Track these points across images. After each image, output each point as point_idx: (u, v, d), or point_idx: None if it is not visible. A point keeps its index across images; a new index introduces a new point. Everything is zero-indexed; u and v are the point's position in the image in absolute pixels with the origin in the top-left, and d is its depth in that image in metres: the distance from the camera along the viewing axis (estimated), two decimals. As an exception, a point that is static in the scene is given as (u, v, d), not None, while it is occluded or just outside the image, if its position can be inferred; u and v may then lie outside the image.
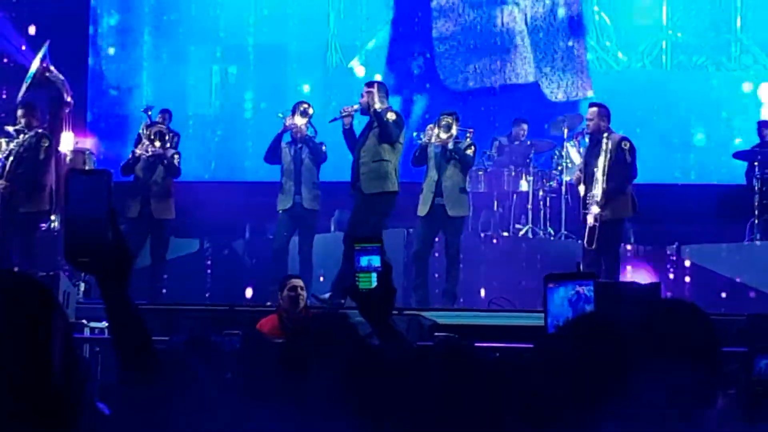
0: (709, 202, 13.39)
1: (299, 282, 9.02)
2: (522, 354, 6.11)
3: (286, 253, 11.54)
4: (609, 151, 10.54)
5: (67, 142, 12.08)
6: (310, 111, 11.51)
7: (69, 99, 11.80)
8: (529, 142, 13.31)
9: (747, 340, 7.19)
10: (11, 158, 10.86)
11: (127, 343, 2.44)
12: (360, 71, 15.10)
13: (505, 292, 11.63)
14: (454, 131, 11.10)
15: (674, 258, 12.38)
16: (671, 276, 12.08)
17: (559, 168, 12.78)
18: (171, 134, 12.00)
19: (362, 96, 10.73)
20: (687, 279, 12.04)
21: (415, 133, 11.54)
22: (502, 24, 15.16)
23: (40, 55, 11.73)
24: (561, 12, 15.08)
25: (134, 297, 2.50)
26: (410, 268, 11.20)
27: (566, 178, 12.48)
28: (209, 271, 13.00)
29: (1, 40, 14.13)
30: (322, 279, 11.36)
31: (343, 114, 10.82)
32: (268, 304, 10.69)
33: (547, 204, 12.85)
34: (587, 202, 10.61)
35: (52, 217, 11.42)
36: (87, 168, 11.80)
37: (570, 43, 15.08)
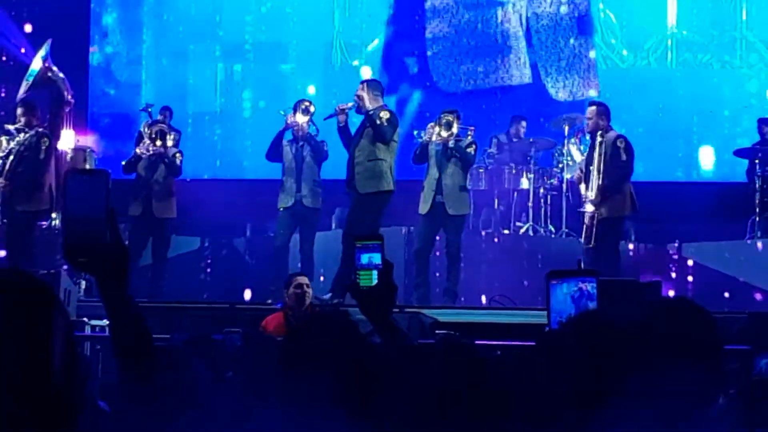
0: (710, 200, 13.39)
1: (305, 280, 9.02)
2: (523, 352, 6.12)
3: (287, 251, 11.54)
4: (604, 149, 10.55)
5: (68, 140, 12.08)
6: (312, 109, 11.50)
7: (69, 98, 11.80)
8: (531, 140, 13.31)
9: (748, 338, 7.19)
10: (11, 157, 10.86)
11: (127, 342, 2.44)
12: (366, 71, 15.10)
13: (505, 290, 11.63)
14: (455, 129, 11.09)
15: (675, 256, 12.38)
16: (672, 274, 12.07)
17: (560, 166, 12.78)
18: (172, 132, 12.00)
19: (357, 92, 10.71)
20: (688, 277, 12.04)
21: (416, 132, 11.53)
22: (497, 25, 15.14)
23: (41, 54, 11.71)
24: (566, 10, 15.06)
25: (135, 295, 2.50)
26: (411, 266, 11.20)
27: (567, 175, 12.48)
28: (209, 270, 13.00)
29: (1, 38, 14.13)
30: (322, 279, 11.36)
31: (338, 111, 10.82)
32: (269, 302, 10.69)
33: (548, 202, 12.85)
34: (583, 200, 10.64)
35: (53, 215, 11.42)
36: (87, 166, 11.82)
37: (575, 42, 15.06)
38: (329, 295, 10.36)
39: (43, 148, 10.93)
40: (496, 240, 12.48)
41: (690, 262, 12.25)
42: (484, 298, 11.56)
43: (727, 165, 13.91)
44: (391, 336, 3.02)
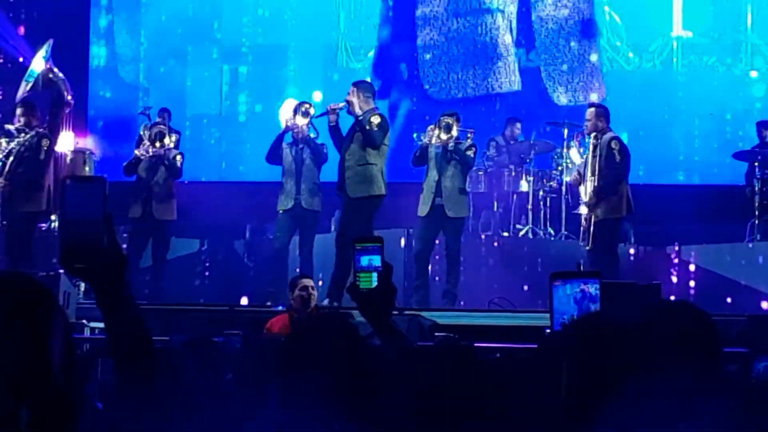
0: (709, 202, 13.39)
1: (310, 282, 9.02)
2: (525, 354, 6.12)
3: (286, 253, 11.54)
4: (599, 150, 10.56)
5: (68, 142, 12.07)
6: (312, 112, 11.49)
7: (69, 99, 11.80)
8: (531, 142, 13.32)
9: (747, 341, 7.19)
10: (11, 158, 10.85)
11: (124, 347, 2.43)
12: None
13: (505, 293, 11.63)
14: (454, 132, 11.10)
15: (674, 258, 12.38)
16: (671, 277, 12.07)
17: (560, 168, 12.78)
18: (172, 134, 12.00)
19: (348, 95, 10.70)
20: (687, 280, 12.03)
21: (415, 134, 11.53)
22: (486, 33, 15.13)
23: (42, 55, 11.69)
24: (570, 14, 15.04)
25: (134, 297, 2.49)
26: (411, 269, 11.20)
27: (566, 178, 12.48)
28: (208, 272, 12.99)
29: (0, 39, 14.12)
30: (320, 283, 11.36)
31: (329, 110, 10.80)
32: (268, 304, 10.69)
33: (548, 204, 12.85)
34: (579, 202, 10.67)
35: (52, 217, 11.42)
36: (87, 168, 11.82)
37: (579, 46, 15.05)
38: (326, 300, 10.33)
39: (44, 149, 10.92)
40: (495, 242, 12.49)
41: (689, 265, 12.25)
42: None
43: (728, 168, 13.91)
44: (390, 338, 3.02)
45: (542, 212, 12.85)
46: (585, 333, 2.38)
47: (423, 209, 11.10)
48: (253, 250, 13.08)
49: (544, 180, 12.92)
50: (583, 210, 10.61)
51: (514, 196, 12.92)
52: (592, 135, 10.69)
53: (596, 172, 10.53)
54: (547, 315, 4.35)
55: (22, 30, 14.02)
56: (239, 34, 15.59)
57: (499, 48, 15.10)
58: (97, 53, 15.64)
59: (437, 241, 11.31)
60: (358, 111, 10.47)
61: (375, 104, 10.78)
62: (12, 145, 10.88)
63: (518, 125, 13.70)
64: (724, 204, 13.08)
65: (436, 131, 11.09)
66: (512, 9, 15.14)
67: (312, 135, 11.47)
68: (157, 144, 11.63)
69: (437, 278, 11.40)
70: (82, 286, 10.05)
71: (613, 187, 10.54)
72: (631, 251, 12.43)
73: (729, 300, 11.39)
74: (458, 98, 14.94)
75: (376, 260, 3.02)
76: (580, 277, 4.40)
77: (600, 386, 2.18)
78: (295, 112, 11.43)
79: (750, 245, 12.14)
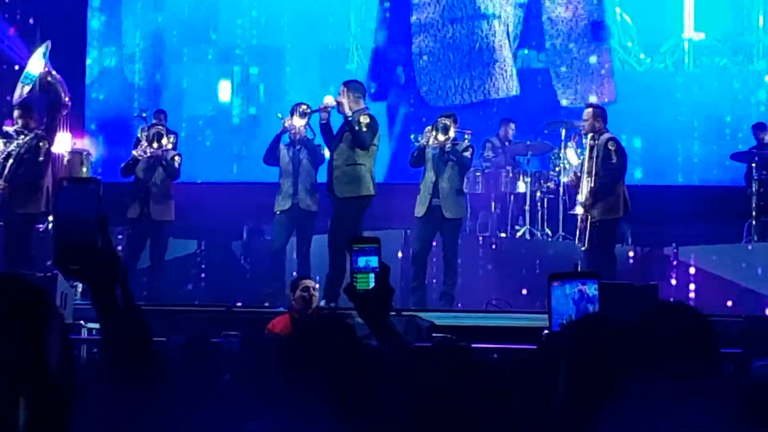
0: (707, 203, 13.39)
1: (312, 283, 9.02)
2: (522, 355, 6.12)
3: (284, 254, 11.54)
4: (596, 151, 10.56)
5: (65, 143, 12.07)
6: (308, 112, 11.49)
7: (67, 100, 11.78)
8: (527, 143, 13.32)
9: (744, 341, 7.20)
10: (11, 160, 10.85)
11: (120, 347, 2.43)
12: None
13: (502, 294, 11.64)
14: (452, 133, 11.11)
15: (672, 259, 12.39)
16: (669, 277, 12.07)
17: (557, 169, 12.78)
18: (170, 134, 12.01)
19: (339, 94, 10.69)
20: (685, 280, 12.04)
21: (413, 135, 11.53)
22: (482, 39, 15.11)
23: (40, 56, 11.66)
24: (581, 15, 15.02)
25: (134, 298, 2.49)
26: (408, 270, 11.20)
27: (564, 179, 12.49)
28: (205, 273, 12.99)
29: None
30: (317, 286, 11.35)
31: (320, 108, 10.79)
32: (266, 305, 10.69)
33: (545, 205, 12.85)
34: (576, 203, 10.67)
35: (50, 218, 11.41)
36: (84, 169, 11.82)
37: (590, 47, 15.03)
38: (323, 301, 10.33)
39: (43, 151, 10.93)
40: (492, 243, 12.49)
41: (687, 266, 12.25)
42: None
43: (727, 169, 13.92)
44: (388, 339, 3.02)
45: (540, 213, 12.85)
46: (583, 334, 2.38)
47: (420, 210, 11.11)
48: (250, 250, 13.08)
49: (542, 181, 12.92)
50: (579, 210, 10.62)
51: (512, 197, 12.93)
52: (590, 135, 10.69)
53: (593, 173, 10.53)
54: (545, 316, 4.35)
55: (12, 31, 13.98)
56: (235, 36, 15.58)
57: (495, 54, 15.09)
58: (93, 54, 15.62)
59: (434, 243, 11.31)
60: (347, 111, 10.46)
61: (365, 104, 10.77)
62: (11, 147, 10.88)
63: (512, 126, 13.71)
64: (722, 205, 13.09)
65: (434, 132, 11.09)
66: (509, 14, 15.11)
67: (309, 136, 11.47)
68: (155, 145, 11.63)
69: (434, 280, 11.40)
70: (79, 287, 10.05)
71: (610, 188, 10.54)
72: (629, 252, 12.43)
73: (729, 303, 11.39)
74: (455, 105, 14.92)
75: (374, 261, 3.01)
76: (578, 277, 4.40)
77: (598, 387, 2.18)
78: (292, 112, 11.43)
79: (748, 246, 12.14)
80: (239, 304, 11.43)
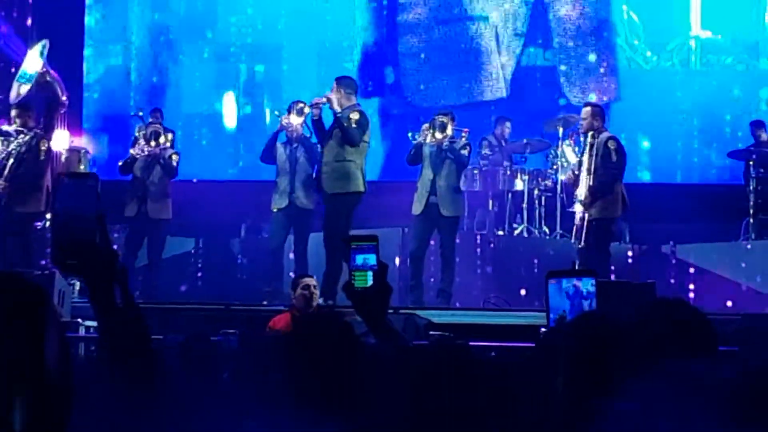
0: (704, 201, 13.40)
1: (312, 281, 9.02)
2: (520, 352, 6.12)
3: (282, 252, 11.54)
4: (596, 149, 10.57)
5: (63, 141, 12.06)
6: (306, 110, 11.49)
7: (64, 99, 11.77)
8: (525, 141, 13.33)
9: (742, 339, 7.20)
10: (11, 159, 10.85)
11: (118, 344, 2.43)
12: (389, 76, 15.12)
13: (500, 292, 11.65)
14: (449, 131, 11.11)
15: (670, 257, 12.40)
16: (666, 275, 12.08)
17: (555, 167, 12.78)
18: (168, 133, 12.01)
19: (331, 90, 10.67)
20: (682, 278, 12.04)
21: (410, 133, 11.52)
22: (469, 41, 15.10)
23: (37, 55, 11.63)
24: (588, 13, 15.01)
25: (133, 296, 2.49)
26: (406, 268, 11.20)
27: (561, 177, 12.49)
28: (200, 274, 12.98)
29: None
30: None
31: (312, 105, 10.77)
32: (264, 303, 10.69)
33: (542, 203, 12.85)
34: (574, 200, 10.67)
35: (47, 216, 11.40)
36: (82, 167, 11.81)
37: (596, 45, 15.01)
38: (321, 299, 10.33)
39: (42, 150, 10.94)
40: (490, 241, 12.49)
41: (684, 264, 12.26)
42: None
43: (726, 167, 13.92)
44: (386, 337, 3.02)
45: (537, 211, 12.85)
46: (582, 331, 2.38)
47: (417, 208, 11.11)
48: (248, 248, 13.08)
49: (539, 179, 12.92)
50: (578, 208, 10.62)
51: (509, 195, 12.92)
52: (590, 134, 10.69)
53: (592, 171, 10.53)
54: (542, 314, 4.37)
55: (5, 28, 13.95)
56: (231, 34, 15.56)
57: (482, 56, 15.06)
58: (90, 53, 15.60)
59: (432, 242, 11.31)
60: (336, 107, 10.43)
61: (357, 101, 10.74)
62: (12, 146, 10.87)
63: (508, 124, 13.71)
64: (720, 203, 13.10)
65: (431, 130, 11.10)
66: (496, 16, 15.08)
67: (306, 134, 11.46)
68: (152, 143, 11.63)
69: (432, 279, 11.41)
70: (77, 285, 10.05)
71: (609, 187, 10.55)
72: (627, 250, 12.44)
73: (718, 294, 11.40)
74: (440, 106, 14.91)
75: (372, 259, 3.01)
76: (576, 275, 4.42)
77: (597, 384, 2.18)
78: (289, 110, 11.42)
79: (746, 244, 12.15)
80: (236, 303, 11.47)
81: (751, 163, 12.38)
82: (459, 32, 15.13)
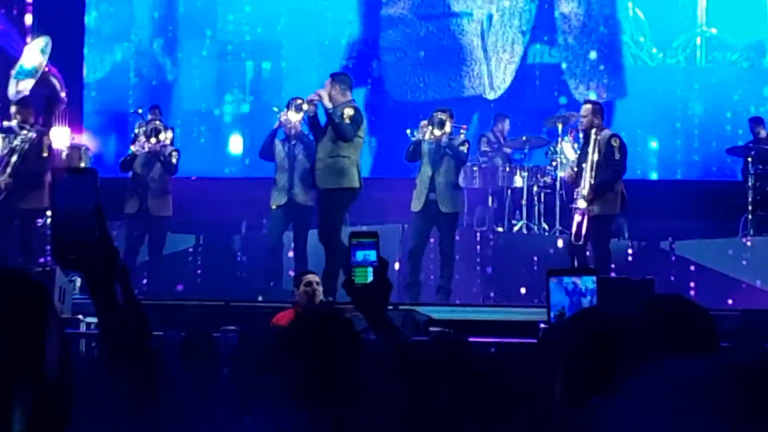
0: (703, 198, 13.40)
1: (315, 278, 9.02)
2: (519, 348, 6.13)
3: (280, 249, 11.55)
4: (598, 147, 10.57)
5: (64, 138, 12.06)
6: (305, 107, 11.49)
7: (63, 95, 11.76)
8: (524, 138, 13.33)
9: (741, 335, 7.21)
10: (16, 155, 10.85)
11: (117, 340, 2.43)
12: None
13: (499, 288, 11.65)
14: (448, 128, 11.12)
15: (669, 253, 12.40)
16: (665, 272, 12.07)
17: (554, 164, 12.79)
18: (168, 130, 12.02)
19: (325, 86, 10.65)
20: (681, 275, 12.04)
21: (408, 130, 11.52)
22: (451, 38, 15.08)
23: (39, 51, 11.58)
24: (593, 10, 14.99)
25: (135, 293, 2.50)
26: (405, 264, 11.21)
27: (560, 173, 12.49)
28: (199, 271, 12.97)
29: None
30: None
31: (307, 101, 10.73)
32: (259, 299, 10.72)
33: (542, 200, 12.86)
34: (575, 197, 10.65)
35: (48, 213, 11.40)
36: (83, 164, 11.81)
37: (602, 42, 14.99)
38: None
39: (45, 146, 10.95)
40: (489, 238, 12.50)
41: (683, 260, 12.26)
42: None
43: (725, 164, 13.92)
44: (386, 333, 3.03)
45: (536, 207, 12.86)
46: (580, 328, 2.39)
47: (416, 205, 11.12)
48: (248, 245, 13.08)
49: (539, 175, 12.92)
50: (582, 204, 10.57)
51: (509, 192, 12.93)
52: (593, 131, 10.68)
53: (595, 168, 10.54)
54: (542, 310, 4.38)
55: (6, 26, 13.93)
56: (230, 32, 15.55)
57: (463, 52, 15.06)
58: (91, 50, 15.60)
59: (431, 239, 11.32)
60: (327, 103, 10.37)
61: (352, 96, 10.70)
62: (16, 142, 10.87)
63: (506, 121, 13.74)
64: (718, 199, 13.10)
65: (430, 127, 11.11)
66: (482, 14, 15.08)
67: (305, 131, 11.46)
68: (152, 140, 11.64)
69: (432, 277, 11.41)
70: (78, 281, 10.07)
71: (611, 184, 10.57)
72: (626, 246, 12.45)
73: (717, 291, 11.40)
74: (420, 101, 14.90)
75: (372, 255, 3.02)
76: (576, 273, 4.45)
77: (596, 381, 2.19)
78: (288, 107, 11.41)
79: (744, 240, 12.15)
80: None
81: (749, 159, 12.38)
82: (441, 28, 15.14)
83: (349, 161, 10.39)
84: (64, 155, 11.93)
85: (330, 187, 10.35)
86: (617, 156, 10.59)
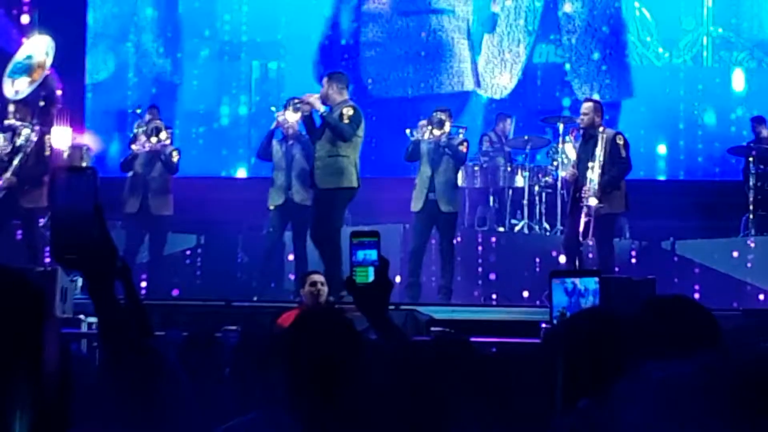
0: (704, 197, 13.40)
1: (320, 278, 9.00)
2: (521, 348, 6.13)
3: (281, 248, 11.54)
4: (605, 145, 10.56)
5: (66, 138, 12.05)
6: (306, 109, 11.45)
7: (59, 92, 11.73)
8: (525, 138, 13.32)
9: (743, 335, 7.21)
10: (21, 154, 10.84)
11: (114, 339, 2.43)
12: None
13: (501, 288, 11.65)
14: (447, 128, 11.13)
15: (670, 253, 12.40)
16: (666, 271, 12.07)
17: (555, 163, 12.78)
18: (168, 129, 12.02)
19: (323, 86, 10.62)
20: (682, 274, 12.04)
21: (408, 130, 11.51)
22: (430, 33, 15.08)
23: (45, 53, 11.50)
24: (598, 10, 14.98)
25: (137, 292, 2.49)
26: (407, 264, 11.21)
27: (562, 173, 12.49)
28: (198, 273, 12.98)
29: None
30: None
31: (302, 101, 10.69)
32: (254, 299, 10.73)
33: (543, 199, 12.85)
34: (582, 195, 10.59)
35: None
36: (84, 164, 11.80)
37: (607, 42, 14.97)
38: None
39: (47, 145, 10.95)
40: (491, 238, 12.50)
41: (684, 260, 12.26)
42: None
43: (729, 164, 13.91)
44: (386, 333, 3.03)
45: (538, 207, 12.86)
46: (578, 328, 2.38)
47: (416, 204, 11.13)
48: (249, 245, 13.08)
49: (540, 175, 12.93)
50: (593, 202, 10.51)
51: (510, 192, 12.93)
52: (600, 128, 10.66)
53: (602, 167, 10.51)
54: (543, 310, 4.39)
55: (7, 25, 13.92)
56: (229, 32, 15.54)
57: (442, 48, 15.05)
58: (93, 51, 15.59)
59: (433, 241, 11.32)
60: (319, 108, 10.31)
61: (348, 95, 10.65)
62: (19, 141, 10.87)
63: (509, 121, 13.74)
64: (720, 199, 13.09)
65: (429, 127, 11.12)
66: (466, 9, 15.07)
67: (302, 131, 11.43)
68: (153, 139, 11.64)
69: (433, 278, 11.41)
70: (80, 281, 10.07)
71: (619, 182, 10.57)
72: (627, 246, 12.45)
73: (718, 290, 11.40)
74: (396, 97, 14.88)
75: (373, 255, 3.01)
76: (579, 275, 4.46)
77: (593, 381, 2.19)
78: (286, 106, 11.38)
79: (745, 240, 12.14)
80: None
81: (750, 159, 12.37)
82: (421, 24, 15.13)
83: (348, 161, 10.35)
84: (65, 155, 11.92)
85: (329, 187, 10.32)
86: (623, 154, 10.59)
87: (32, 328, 1.64)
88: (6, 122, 11.02)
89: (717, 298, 11.08)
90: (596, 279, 4.30)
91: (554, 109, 14.15)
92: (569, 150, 12.48)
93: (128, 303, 2.60)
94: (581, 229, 10.62)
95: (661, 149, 14.69)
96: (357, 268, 3.02)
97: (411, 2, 15.18)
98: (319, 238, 10.29)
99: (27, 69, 11.25)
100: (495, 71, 15.12)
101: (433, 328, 8.62)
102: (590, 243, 10.57)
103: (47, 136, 10.96)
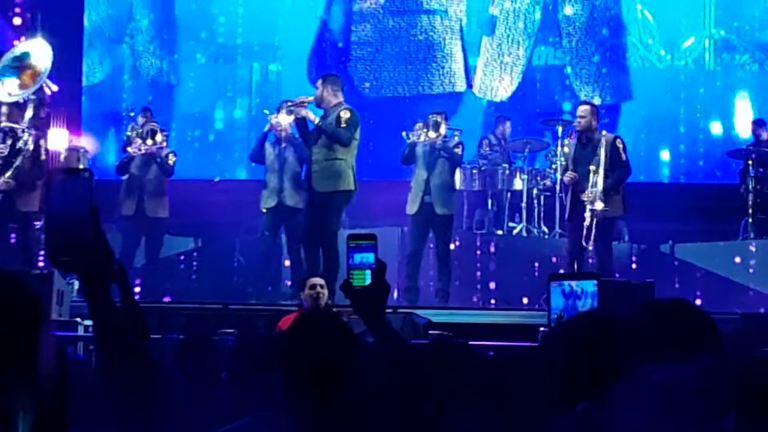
0: (703, 200, 13.39)
1: (319, 281, 8.98)
2: (519, 352, 6.12)
3: (276, 251, 11.53)
4: (605, 149, 10.55)
5: (62, 140, 12.04)
6: (303, 112, 11.44)
7: (49, 92, 11.70)
8: (524, 140, 13.33)
9: (742, 339, 7.20)
10: (19, 156, 10.83)
11: (110, 341, 2.42)
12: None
13: (499, 291, 11.64)
14: (442, 130, 11.12)
15: (669, 256, 12.39)
16: (665, 275, 12.06)
17: (553, 166, 12.77)
18: (163, 131, 12.02)
19: (317, 88, 10.61)
20: (681, 277, 12.04)
21: (404, 132, 11.50)
22: (421, 33, 15.07)
23: (44, 57, 11.45)
24: (599, 12, 14.97)
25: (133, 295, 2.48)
26: (404, 268, 11.19)
27: (560, 176, 12.47)
28: (199, 272, 12.97)
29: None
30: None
31: (297, 103, 10.66)
32: (252, 302, 10.72)
33: (541, 202, 12.85)
34: (583, 199, 10.55)
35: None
36: (81, 166, 11.79)
37: (608, 44, 14.96)
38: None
39: (43, 149, 10.94)
40: (489, 241, 12.49)
41: (683, 263, 12.25)
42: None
43: (726, 166, 13.91)
44: (384, 336, 3.02)
45: (536, 210, 12.85)
46: (575, 331, 2.37)
47: (411, 207, 11.12)
48: (246, 247, 13.07)
49: (538, 178, 12.93)
50: (599, 205, 10.48)
51: (508, 194, 12.92)
52: (603, 132, 10.67)
53: (604, 170, 10.50)
54: (541, 313, 4.38)
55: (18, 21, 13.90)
56: (224, 35, 15.53)
57: (433, 49, 15.05)
58: (89, 53, 15.58)
59: (430, 245, 11.31)
60: (312, 118, 10.29)
61: (343, 97, 10.63)
62: (19, 144, 10.85)
63: (508, 124, 13.74)
64: (719, 202, 13.09)
65: (425, 129, 11.11)
66: (459, 10, 15.06)
67: (295, 134, 11.39)
68: (149, 141, 11.64)
69: (431, 282, 11.40)
70: (76, 284, 10.06)
71: (619, 186, 10.57)
72: (626, 249, 12.44)
73: (717, 294, 11.40)
74: (386, 97, 14.87)
75: (370, 258, 3.00)
76: (577, 278, 4.45)
77: (589, 383, 2.18)
78: (279, 110, 11.37)
79: (745, 244, 12.13)
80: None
81: (750, 162, 12.35)
82: (412, 24, 15.13)
83: (345, 164, 10.34)
84: (62, 157, 11.91)
85: (326, 191, 10.30)
86: (623, 157, 10.60)
87: (28, 331, 1.63)
88: (8, 125, 10.99)
89: (716, 301, 11.09)
90: (594, 282, 4.29)
91: (553, 111, 14.14)
92: (568, 153, 12.48)
93: (125, 305, 2.59)
94: (585, 233, 10.60)
95: (663, 154, 14.68)
96: (354, 271, 3.01)
97: (402, 2, 15.18)
98: (316, 241, 10.28)
99: (16, 70, 11.20)
100: (495, 74, 15.11)
101: (430, 332, 8.61)
102: (590, 248, 10.55)
103: (42, 140, 10.95)
